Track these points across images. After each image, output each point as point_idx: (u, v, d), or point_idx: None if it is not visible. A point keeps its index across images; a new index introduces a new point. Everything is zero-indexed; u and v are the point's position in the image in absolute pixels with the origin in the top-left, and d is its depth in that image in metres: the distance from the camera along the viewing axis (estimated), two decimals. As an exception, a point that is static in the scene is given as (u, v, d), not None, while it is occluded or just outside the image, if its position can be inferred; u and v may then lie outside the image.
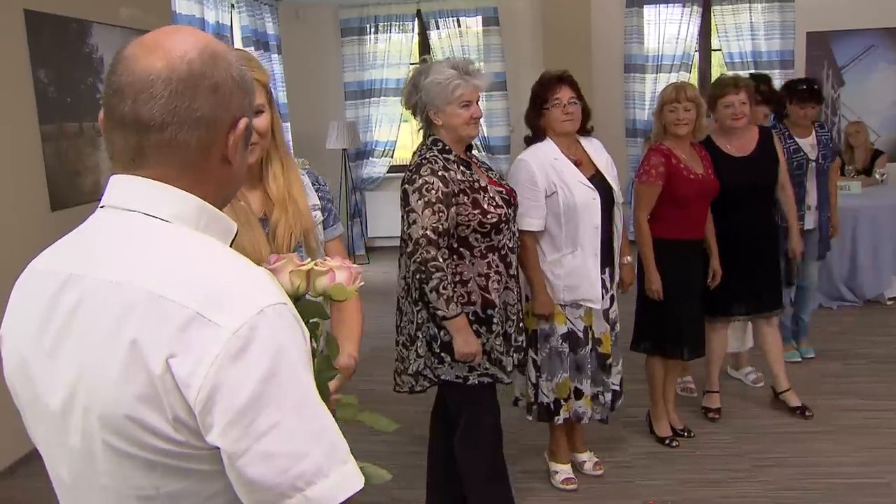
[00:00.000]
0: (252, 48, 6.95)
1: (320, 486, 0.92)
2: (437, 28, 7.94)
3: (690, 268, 3.58)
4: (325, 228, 1.97)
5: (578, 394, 3.20)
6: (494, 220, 2.63)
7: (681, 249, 3.51)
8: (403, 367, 2.78)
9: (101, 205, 1.05)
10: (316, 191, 1.98)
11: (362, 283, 1.37)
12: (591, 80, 7.19)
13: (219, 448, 0.91)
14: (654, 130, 3.60)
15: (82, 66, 4.32)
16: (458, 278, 2.65)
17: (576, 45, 7.24)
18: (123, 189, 1.02)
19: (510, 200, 2.72)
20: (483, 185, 2.66)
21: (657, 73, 7.37)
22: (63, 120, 4.11)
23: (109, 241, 1.00)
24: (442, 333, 2.66)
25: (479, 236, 2.64)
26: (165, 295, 0.92)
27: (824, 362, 4.72)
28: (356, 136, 7.85)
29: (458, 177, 2.62)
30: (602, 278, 3.13)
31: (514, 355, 2.82)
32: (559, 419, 3.23)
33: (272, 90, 1.86)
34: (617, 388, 3.28)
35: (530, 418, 3.30)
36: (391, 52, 8.09)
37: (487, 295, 2.67)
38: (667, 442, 3.69)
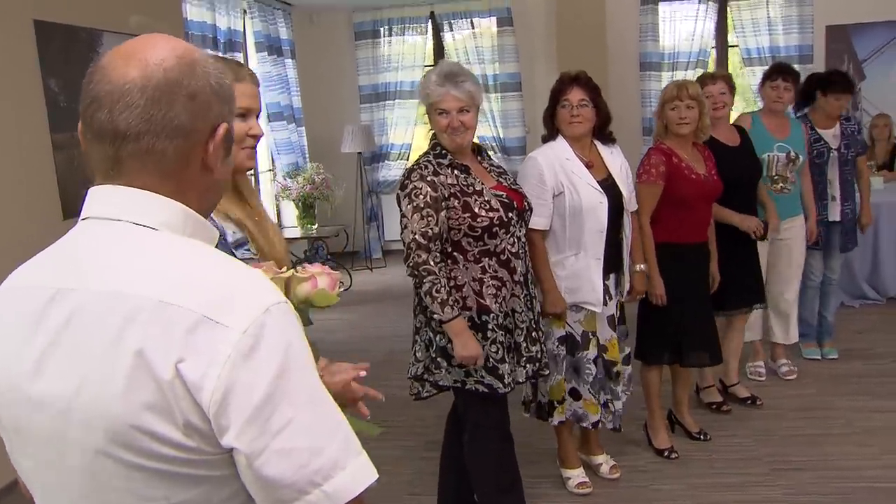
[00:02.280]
0: (265, 53, 6.97)
1: (338, 480, 0.93)
2: (451, 30, 7.92)
3: (692, 272, 3.49)
4: None
5: (577, 395, 3.15)
6: (485, 223, 2.59)
7: (683, 254, 3.43)
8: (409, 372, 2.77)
9: (81, 217, 1.04)
10: None
11: (343, 289, 1.35)
12: (606, 79, 7.12)
13: (230, 452, 0.92)
14: (655, 130, 3.54)
15: (93, 75, 4.32)
16: (452, 283, 2.62)
17: (590, 44, 7.18)
18: (106, 200, 1.01)
19: (512, 204, 2.67)
20: (479, 188, 2.63)
21: (673, 71, 7.29)
22: (74, 128, 3.98)
23: (98, 252, 0.99)
24: (438, 338, 2.64)
25: (471, 240, 2.61)
26: (169, 300, 0.91)
27: (846, 362, 4.63)
28: (371, 140, 7.84)
29: (449, 181, 2.60)
30: (606, 284, 3.08)
31: (528, 366, 2.76)
32: (553, 420, 3.19)
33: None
34: (623, 397, 3.23)
35: (528, 415, 3.27)
36: (405, 54, 8.09)
37: (482, 300, 2.63)
38: (665, 454, 3.59)
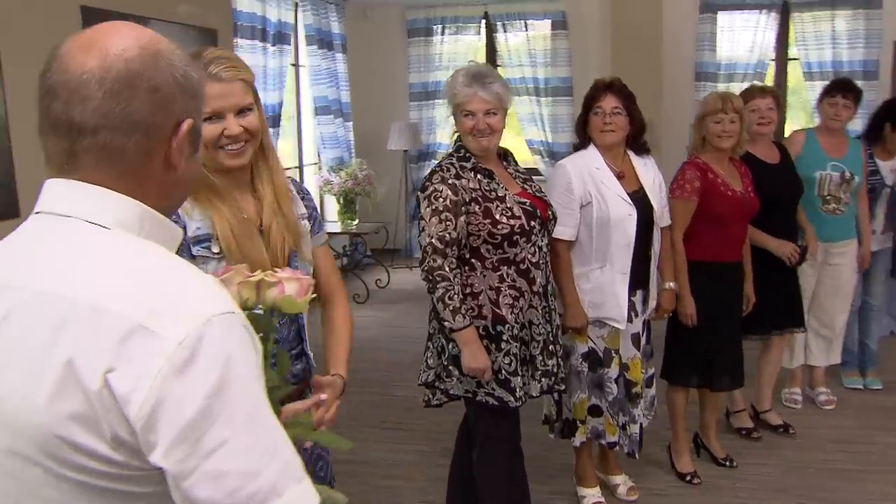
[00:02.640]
0: (315, 47, 6.99)
1: None
2: (505, 31, 7.84)
3: (727, 293, 3.36)
4: (311, 236, 1.92)
5: (596, 411, 3.05)
6: (505, 230, 2.51)
7: (717, 273, 3.30)
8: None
9: (35, 210, 1.00)
10: (301, 199, 1.93)
11: (314, 296, 1.30)
12: (660, 88, 7.00)
13: (163, 468, 0.86)
14: (691, 142, 3.41)
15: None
16: (468, 290, 2.55)
17: (645, 51, 7.03)
18: (59, 194, 0.97)
19: (535, 213, 2.59)
20: (501, 194, 2.55)
21: (729, 83, 7.06)
22: None
23: (45, 249, 0.95)
24: (451, 346, 2.57)
25: (490, 247, 2.54)
26: (105, 306, 0.87)
27: (891, 394, 4.42)
28: (418, 138, 7.81)
29: (471, 185, 2.53)
30: (632, 300, 2.98)
31: (543, 381, 2.68)
32: (574, 440, 3.09)
33: (256, 92, 1.80)
34: (644, 421, 3.11)
35: (552, 436, 3.18)
36: (457, 53, 8.02)
37: (498, 310, 2.55)
38: (688, 479, 3.46)
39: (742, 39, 7.22)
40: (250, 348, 0.92)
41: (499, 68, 8.08)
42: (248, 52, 5.71)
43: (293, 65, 7.10)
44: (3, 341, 0.91)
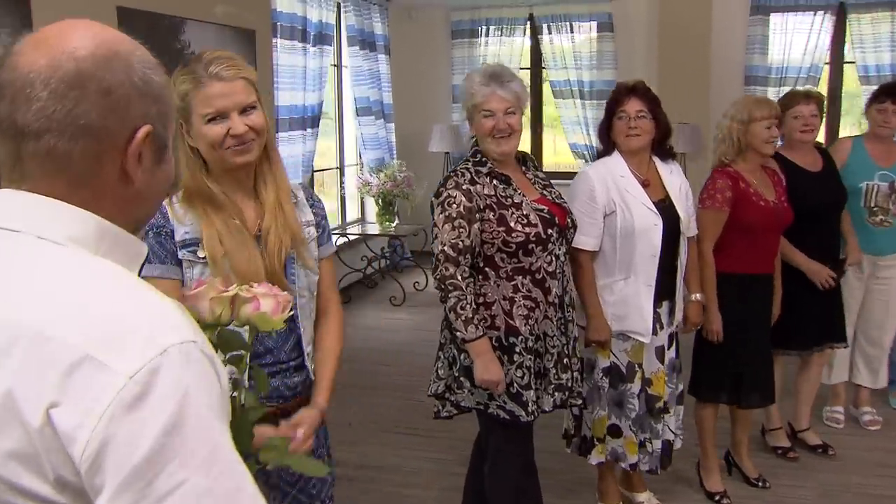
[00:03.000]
0: (357, 48, 6.98)
1: None
2: (549, 33, 7.73)
3: (757, 306, 3.21)
4: (318, 246, 1.88)
5: (616, 432, 2.93)
6: (520, 239, 2.42)
7: (748, 285, 3.16)
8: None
9: None
10: (310, 206, 1.89)
11: (292, 313, 1.24)
12: (708, 92, 6.82)
13: None
14: (721, 149, 3.21)
15: (173, 62, 4.39)
16: (481, 300, 2.47)
17: (693, 54, 6.87)
18: (8, 205, 0.89)
19: (553, 220, 2.49)
20: (517, 201, 2.47)
21: (780, 87, 6.84)
22: None
23: None
24: (462, 357, 2.49)
25: (504, 256, 2.45)
26: (50, 333, 0.79)
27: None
28: (459, 140, 7.74)
29: (486, 191, 2.44)
30: (657, 312, 2.86)
31: (556, 395, 2.58)
32: (591, 459, 2.99)
33: (258, 90, 1.76)
34: (671, 437, 2.98)
35: (569, 450, 3.08)
36: (502, 55, 7.92)
37: (511, 321, 2.46)
38: (717, 499, 3.32)
39: (795, 42, 6.99)
40: (212, 381, 0.84)
41: (543, 71, 7.99)
42: (288, 52, 5.72)
43: (334, 65, 7.11)
44: None
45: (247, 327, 1.21)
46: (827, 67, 7.07)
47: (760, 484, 3.43)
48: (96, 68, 0.87)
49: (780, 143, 3.43)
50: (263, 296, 1.19)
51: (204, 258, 1.68)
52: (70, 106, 0.85)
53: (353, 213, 7.72)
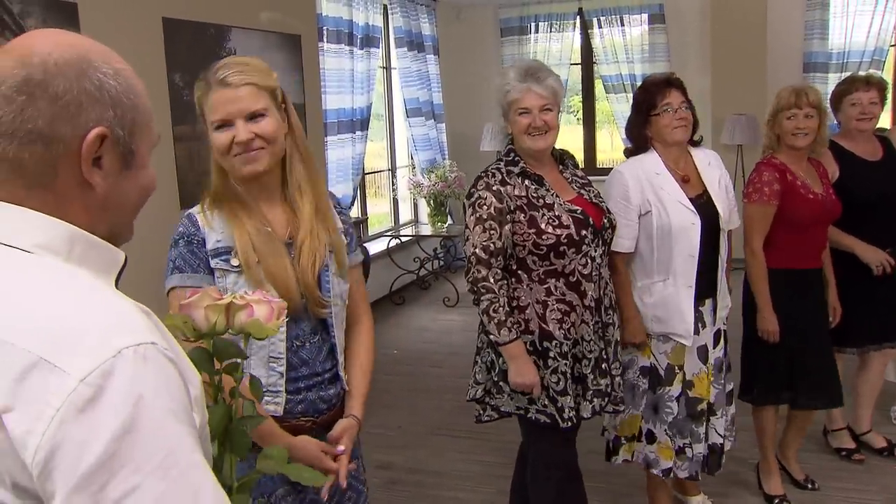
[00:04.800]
0: (405, 49, 6.98)
1: None
2: (600, 27, 7.61)
3: (807, 303, 3.07)
4: (347, 254, 1.85)
5: (651, 437, 2.83)
6: (551, 241, 2.36)
7: (796, 281, 3.03)
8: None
9: None
10: (338, 213, 1.86)
11: (287, 319, 1.22)
12: (765, 81, 6.61)
13: None
14: (765, 141, 3.12)
15: (220, 70, 4.46)
16: (515, 303, 2.42)
17: (749, 43, 6.68)
18: None
19: (587, 221, 2.43)
20: (549, 201, 2.41)
21: (841, 73, 6.58)
22: (195, 121, 4.25)
23: None
24: (500, 361, 2.44)
25: (536, 258, 2.40)
26: (5, 338, 0.79)
27: None
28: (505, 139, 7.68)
29: (517, 192, 2.39)
30: (699, 311, 2.76)
31: (595, 401, 2.50)
32: (617, 460, 2.90)
33: (286, 98, 1.74)
34: (719, 441, 2.87)
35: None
36: (552, 52, 7.85)
37: (545, 325, 2.40)
38: (776, 502, 3.20)
39: (858, 24, 6.73)
40: (172, 382, 0.83)
41: (594, 65, 7.86)
42: (335, 55, 5.75)
43: (383, 67, 7.13)
44: None
45: (242, 335, 1.19)
46: (893, 51, 6.79)
47: (810, 486, 3.31)
48: (45, 74, 0.87)
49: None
50: (257, 303, 1.17)
51: (237, 267, 1.66)
52: (17, 111, 0.85)
53: (405, 214, 7.73)
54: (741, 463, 3.37)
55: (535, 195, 2.41)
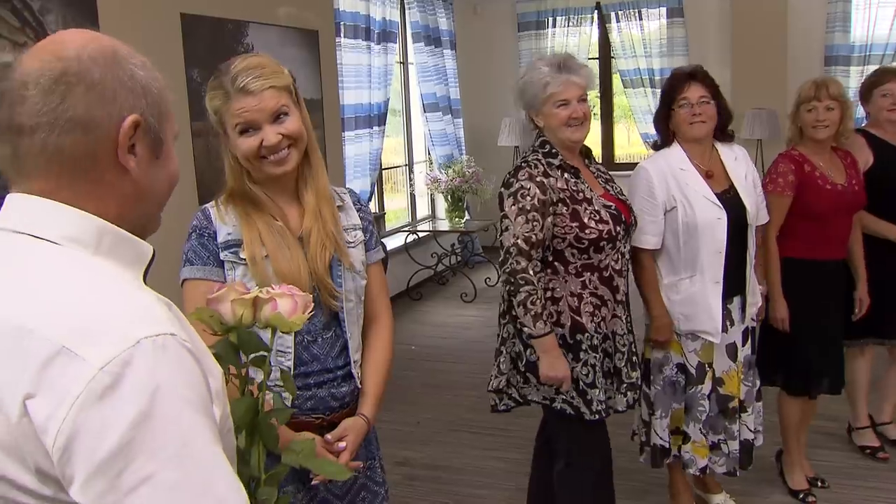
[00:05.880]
0: (422, 44, 6.97)
1: None
2: (618, 21, 7.56)
3: (825, 293, 3.05)
4: (367, 251, 1.83)
5: (685, 438, 2.81)
6: (593, 235, 2.35)
7: (814, 271, 3.01)
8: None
9: None
10: (357, 210, 1.85)
11: (311, 313, 1.22)
12: (786, 75, 6.53)
13: None
14: (788, 133, 3.12)
15: (238, 66, 4.46)
16: (549, 294, 2.40)
17: (769, 36, 6.61)
18: (13, 208, 0.93)
19: (620, 217, 2.42)
20: (588, 196, 2.40)
21: (864, 66, 6.51)
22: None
23: None
24: (528, 352, 2.43)
25: (575, 252, 2.38)
26: (29, 326, 0.82)
27: None
28: (529, 133, 7.64)
29: (559, 184, 2.38)
30: (728, 308, 2.73)
31: (629, 394, 2.51)
32: (670, 455, 2.86)
33: (297, 92, 1.73)
34: (750, 437, 2.84)
35: (642, 460, 2.96)
36: (569, 46, 7.79)
37: (578, 318, 2.39)
38: (801, 496, 3.17)
39: (881, 17, 6.65)
40: (190, 373, 0.85)
41: (613, 60, 7.82)
42: (352, 51, 5.75)
43: (400, 63, 7.11)
44: None
45: (269, 329, 1.19)
46: (917, 43, 6.70)
47: (818, 483, 3.27)
48: (80, 65, 0.91)
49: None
50: (281, 296, 1.17)
51: (245, 259, 1.66)
52: (57, 101, 0.89)
53: (423, 210, 7.72)
54: (760, 459, 3.33)
55: (575, 188, 2.40)
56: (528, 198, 2.34)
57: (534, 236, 2.33)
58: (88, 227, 0.91)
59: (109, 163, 0.92)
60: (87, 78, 0.90)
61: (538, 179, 2.36)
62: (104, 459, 0.77)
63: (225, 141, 1.69)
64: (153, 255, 0.99)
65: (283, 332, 1.17)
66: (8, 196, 0.95)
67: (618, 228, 2.40)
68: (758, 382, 2.92)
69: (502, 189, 2.44)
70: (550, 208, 2.36)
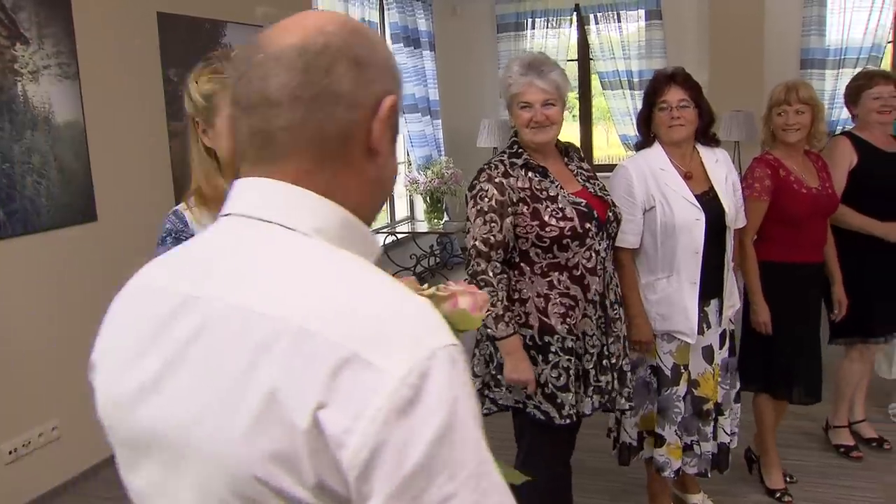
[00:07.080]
0: (401, 45, 6.95)
1: None
2: (597, 23, 7.59)
3: (803, 296, 3.08)
4: None
5: (660, 440, 2.81)
6: (554, 233, 2.34)
7: (791, 274, 3.03)
8: None
9: (225, 212, 0.89)
10: None
11: (490, 312, 1.16)
12: (762, 78, 6.58)
13: None
14: (761, 136, 3.15)
15: (215, 65, 4.42)
16: (516, 296, 2.40)
17: (746, 39, 6.65)
18: (255, 194, 0.86)
19: (591, 214, 2.40)
20: (552, 194, 2.38)
21: (839, 69, 6.59)
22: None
23: (237, 257, 0.84)
24: (499, 354, 2.41)
25: (539, 251, 2.37)
26: (313, 328, 0.74)
27: None
28: (508, 134, 7.65)
29: (520, 184, 2.37)
30: (704, 310, 2.74)
31: (595, 397, 2.48)
32: (643, 455, 2.87)
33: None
34: (726, 440, 2.85)
35: (614, 453, 2.97)
36: (548, 48, 7.80)
37: (546, 319, 2.38)
38: (777, 496, 3.20)
39: (855, 20, 6.72)
40: (471, 387, 0.79)
41: (591, 62, 7.84)
42: (331, 52, 5.71)
43: (379, 64, 7.09)
44: (198, 361, 0.80)
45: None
46: (890, 47, 6.78)
47: (788, 479, 3.30)
48: (344, 41, 0.86)
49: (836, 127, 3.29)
50: (462, 293, 1.11)
51: None
52: (323, 74, 0.84)
53: (401, 211, 7.70)
54: (737, 458, 3.35)
55: (538, 187, 2.38)
56: (486, 199, 2.34)
57: (492, 237, 2.33)
58: (335, 218, 0.85)
59: (362, 147, 0.87)
60: (351, 54, 0.85)
61: (497, 180, 2.35)
62: (408, 477, 0.71)
63: (199, 132, 1.65)
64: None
65: (460, 331, 1.12)
66: (240, 182, 0.88)
67: (586, 225, 2.37)
68: (737, 385, 2.93)
69: (466, 192, 2.45)
70: (510, 209, 2.35)
